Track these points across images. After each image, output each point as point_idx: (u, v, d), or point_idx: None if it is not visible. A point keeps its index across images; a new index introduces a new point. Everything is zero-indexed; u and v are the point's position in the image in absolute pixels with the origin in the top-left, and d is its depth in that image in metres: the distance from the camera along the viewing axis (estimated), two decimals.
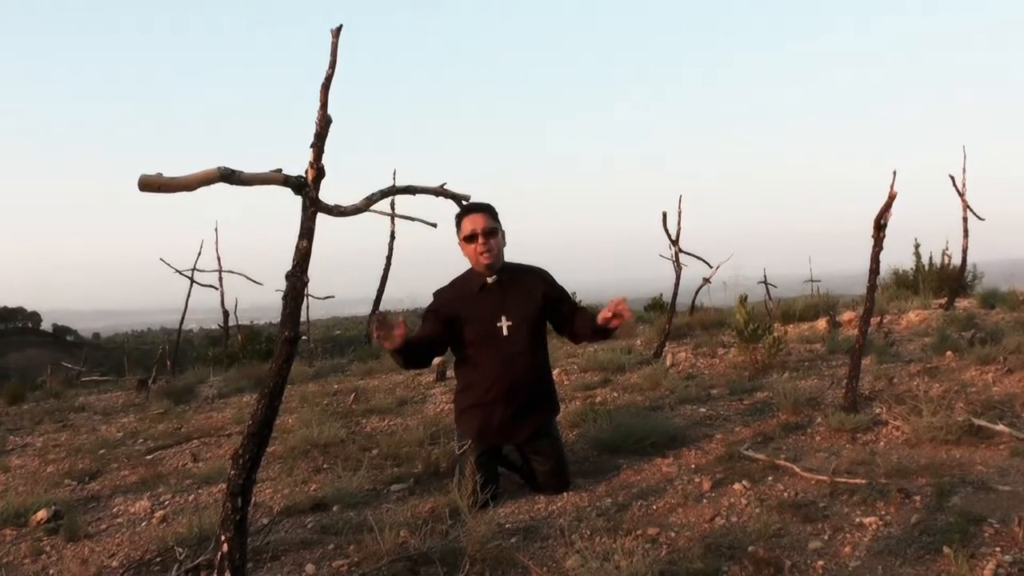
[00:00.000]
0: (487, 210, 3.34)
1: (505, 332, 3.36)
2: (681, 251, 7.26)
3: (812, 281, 11.28)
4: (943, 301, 8.08)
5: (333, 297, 11.60)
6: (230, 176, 2.02)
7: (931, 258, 10.01)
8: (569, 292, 3.90)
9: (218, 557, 2.11)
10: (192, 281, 10.57)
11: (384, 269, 10.90)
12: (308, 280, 2.24)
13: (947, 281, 9.12)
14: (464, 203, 2.92)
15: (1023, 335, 5.32)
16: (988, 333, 5.88)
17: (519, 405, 3.37)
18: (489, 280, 3.40)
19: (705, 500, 3.07)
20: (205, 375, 8.70)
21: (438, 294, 3.49)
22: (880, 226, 4.15)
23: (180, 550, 2.82)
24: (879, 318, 7.19)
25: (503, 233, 3.41)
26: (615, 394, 5.33)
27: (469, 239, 3.32)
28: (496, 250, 3.34)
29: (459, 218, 3.36)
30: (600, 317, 3.28)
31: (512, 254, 3.51)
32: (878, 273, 4.22)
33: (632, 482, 3.42)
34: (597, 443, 4.00)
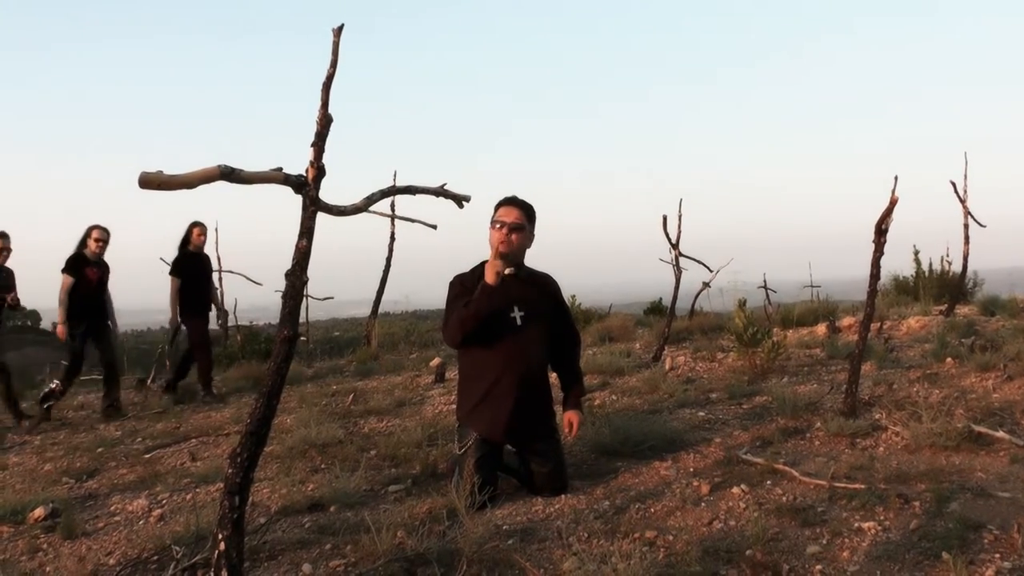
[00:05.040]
0: (525, 209, 3.42)
1: (518, 322, 3.41)
2: (681, 255, 7.26)
3: (812, 286, 11.29)
4: (943, 307, 8.07)
5: (332, 298, 11.58)
6: (231, 174, 2.01)
7: (931, 264, 10.01)
8: (570, 294, 3.94)
9: (215, 556, 2.10)
10: None
11: (384, 270, 10.85)
12: (307, 279, 2.24)
13: (947, 288, 9.12)
14: (465, 203, 2.91)
15: (1023, 342, 5.32)
16: (988, 340, 5.88)
17: (527, 399, 3.40)
18: (507, 271, 3.43)
19: (703, 504, 3.07)
20: None
21: (461, 278, 3.50)
22: (881, 231, 4.15)
23: (177, 549, 2.82)
24: (879, 324, 7.18)
25: (531, 236, 3.48)
26: (614, 397, 5.33)
27: (496, 225, 3.38)
28: (514, 246, 3.39)
29: (498, 204, 3.45)
30: (567, 407, 3.60)
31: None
32: (878, 278, 4.22)
33: (630, 485, 3.42)
34: (595, 446, 4.00)
